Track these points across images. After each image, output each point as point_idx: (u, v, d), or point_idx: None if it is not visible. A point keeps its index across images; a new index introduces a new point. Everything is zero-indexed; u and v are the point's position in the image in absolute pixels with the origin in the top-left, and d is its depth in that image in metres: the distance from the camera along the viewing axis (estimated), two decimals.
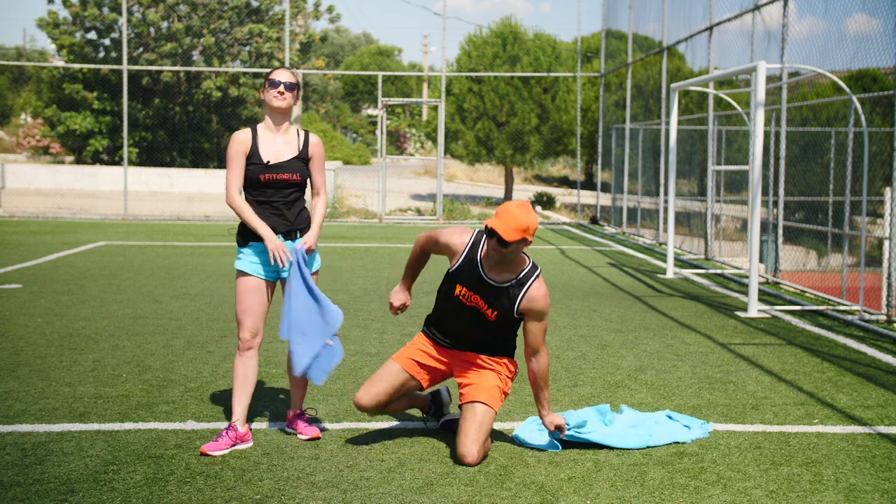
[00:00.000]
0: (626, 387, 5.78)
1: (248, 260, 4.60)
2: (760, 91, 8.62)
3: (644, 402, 5.43)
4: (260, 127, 4.65)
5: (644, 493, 3.97)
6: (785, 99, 10.76)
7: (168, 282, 10.12)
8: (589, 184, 35.69)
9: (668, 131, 14.42)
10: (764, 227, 12.15)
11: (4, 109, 43.31)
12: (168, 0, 27.09)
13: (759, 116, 8.68)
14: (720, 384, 5.90)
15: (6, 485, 3.91)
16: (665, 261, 12.82)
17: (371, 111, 59.91)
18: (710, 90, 12.90)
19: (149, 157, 27.02)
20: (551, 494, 3.93)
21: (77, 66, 25.61)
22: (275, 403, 5.27)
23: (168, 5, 27.15)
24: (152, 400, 5.27)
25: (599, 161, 22.27)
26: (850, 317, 8.45)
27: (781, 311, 8.89)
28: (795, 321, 8.38)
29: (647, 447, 4.51)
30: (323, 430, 4.76)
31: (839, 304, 9.30)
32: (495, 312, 4.40)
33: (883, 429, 4.98)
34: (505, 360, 4.59)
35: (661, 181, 15.76)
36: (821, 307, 8.98)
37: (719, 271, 12.06)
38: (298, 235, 4.65)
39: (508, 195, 28.77)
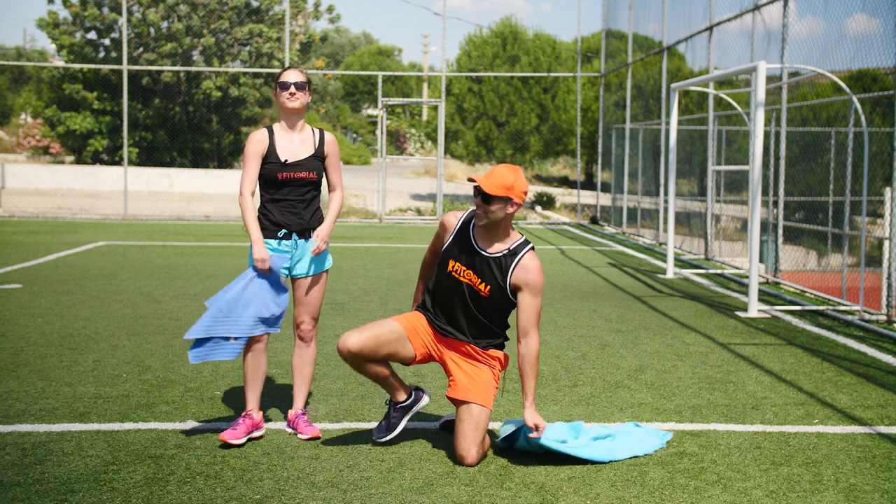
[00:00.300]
0: (626, 387, 5.78)
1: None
2: (760, 91, 8.62)
3: (644, 402, 5.43)
4: (276, 127, 4.73)
5: (644, 493, 3.97)
6: (785, 99, 10.76)
7: (168, 282, 10.12)
8: (589, 184, 35.69)
9: (668, 131, 14.42)
10: (764, 227, 12.14)
11: (4, 109, 43.31)
12: (168, 0, 27.08)
13: (759, 116, 8.68)
14: (720, 384, 5.90)
15: (6, 485, 3.91)
16: (665, 261, 12.82)
17: (371, 111, 59.92)
18: (710, 90, 12.90)
19: (149, 157, 27.02)
20: (551, 494, 3.93)
21: (77, 66, 25.61)
22: (276, 403, 5.27)
23: (168, 5, 27.15)
24: (152, 400, 5.27)
25: (599, 161, 22.27)
26: (850, 317, 8.45)
27: (781, 311, 8.89)
28: (795, 321, 8.38)
29: (611, 461, 4.33)
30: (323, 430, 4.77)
31: (839, 304, 9.30)
32: (488, 286, 4.34)
33: (883, 429, 4.98)
34: (499, 356, 4.54)
35: (661, 181, 15.76)
36: (821, 307, 8.98)
37: (719, 271, 12.06)
38: (312, 235, 4.72)
39: None
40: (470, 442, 4.28)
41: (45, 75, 28.25)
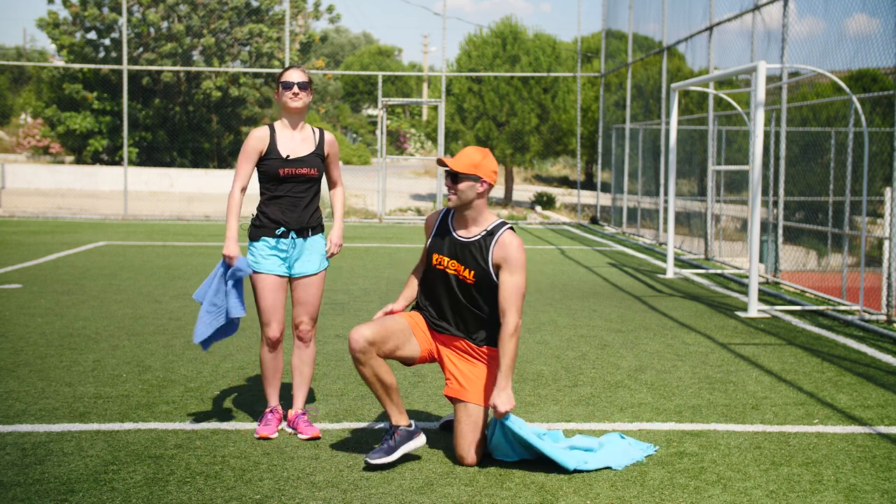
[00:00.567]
0: (626, 387, 5.78)
1: (261, 258, 4.70)
2: (760, 91, 8.62)
3: (644, 402, 5.43)
4: (277, 125, 4.77)
5: (644, 493, 3.97)
6: (785, 99, 10.76)
7: (168, 282, 10.12)
8: (589, 184, 35.70)
9: (668, 131, 14.42)
10: (764, 227, 12.14)
11: (4, 109, 43.31)
12: (168, 0, 27.08)
13: (759, 116, 8.68)
14: (720, 384, 5.90)
15: (6, 485, 3.91)
16: (665, 261, 12.82)
17: (371, 111, 59.92)
18: (710, 90, 12.90)
19: (149, 157, 27.02)
20: (551, 494, 3.93)
21: (77, 66, 25.61)
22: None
23: (168, 5, 27.15)
24: (152, 400, 5.27)
25: (599, 161, 22.27)
26: (850, 317, 8.45)
27: (781, 311, 8.89)
28: (795, 321, 8.38)
29: (576, 469, 4.22)
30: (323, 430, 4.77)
31: (839, 304, 9.30)
32: (472, 272, 4.32)
33: (883, 429, 4.98)
34: (496, 353, 4.46)
35: (661, 181, 15.76)
36: (821, 307, 8.98)
37: (719, 271, 12.06)
38: (310, 234, 4.72)
39: (508, 195, 28.79)
40: (469, 442, 4.27)
41: (45, 75, 28.26)
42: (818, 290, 10.25)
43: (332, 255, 4.83)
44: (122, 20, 22.20)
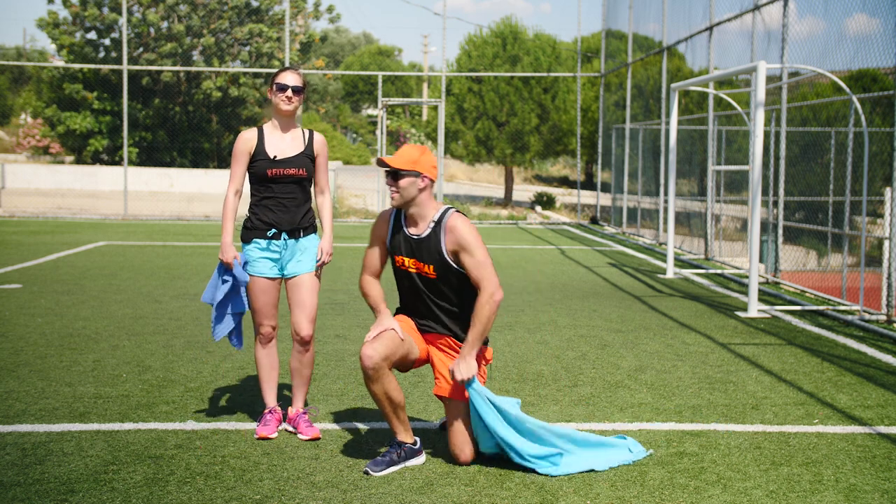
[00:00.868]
0: (626, 387, 5.78)
1: (252, 261, 4.71)
2: (760, 91, 8.62)
3: (644, 402, 5.43)
4: (267, 126, 4.77)
5: (644, 493, 3.97)
6: (785, 99, 10.76)
7: (168, 282, 10.12)
8: (589, 184, 35.70)
9: (668, 131, 14.42)
10: (764, 227, 12.14)
11: (4, 109, 43.31)
12: (168, 0, 27.08)
13: (759, 116, 8.68)
14: (720, 384, 5.90)
15: (6, 485, 3.91)
16: (665, 261, 12.82)
17: (371, 111, 59.91)
18: (710, 90, 12.90)
19: (149, 157, 27.02)
20: (551, 494, 3.93)
21: (77, 66, 25.61)
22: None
23: (168, 5, 27.15)
24: (152, 400, 5.27)
25: (599, 161, 22.27)
26: (850, 317, 8.45)
27: (781, 311, 8.88)
28: (795, 321, 8.38)
29: (548, 473, 4.18)
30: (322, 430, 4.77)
31: (839, 304, 9.30)
32: (431, 266, 4.29)
33: (883, 429, 4.97)
34: (480, 350, 4.40)
35: (661, 181, 15.76)
36: (821, 307, 8.98)
37: (719, 271, 12.06)
38: (302, 234, 4.71)
39: (508, 195, 28.79)
40: (462, 441, 4.27)
41: (45, 75, 28.26)
42: (818, 290, 10.25)
43: (323, 264, 4.80)
44: (122, 20, 22.20)
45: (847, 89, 9.20)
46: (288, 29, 21.05)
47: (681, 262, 13.05)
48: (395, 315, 4.53)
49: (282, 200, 4.67)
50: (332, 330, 7.47)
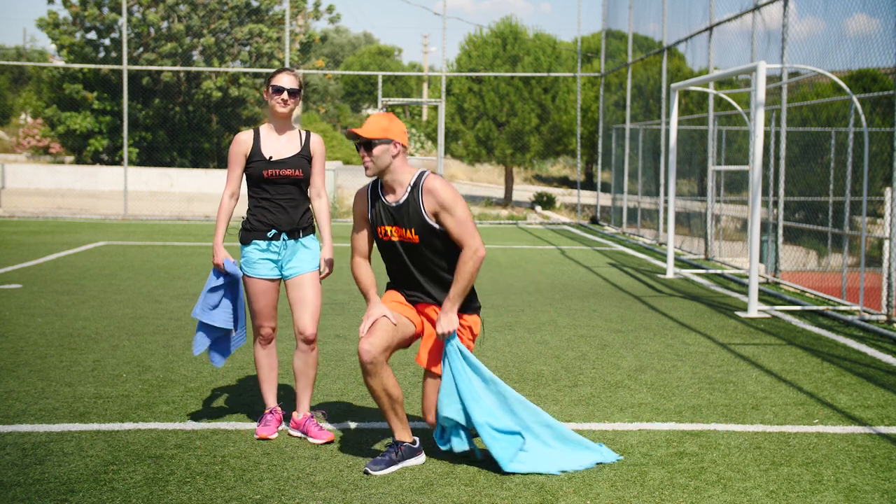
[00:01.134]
0: (626, 387, 5.78)
1: (251, 263, 4.70)
2: (760, 91, 8.62)
3: (644, 402, 5.43)
4: (263, 128, 4.75)
5: (644, 493, 3.97)
6: (785, 99, 10.76)
7: (168, 282, 10.12)
8: (589, 184, 35.70)
9: (668, 131, 14.42)
10: (764, 227, 12.14)
11: (4, 109, 43.32)
12: (168, 0, 27.09)
13: (759, 116, 8.68)
14: (720, 384, 5.90)
15: (6, 485, 3.91)
16: (665, 261, 12.82)
17: (371, 111, 59.90)
18: (710, 90, 12.90)
19: (149, 157, 27.03)
20: (551, 494, 3.93)
21: (77, 66, 25.61)
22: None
23: (168, 5, 27.15)
24: (152, 400, 5.27)
25: (599, 161, 22.27)
26: (850, 317, 8.45)
27: (781, 311, 8.88)
28: (795, 321, 8.38)
29: (511, 470, 4.19)
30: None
31: (839, 304, 9.30)
32: (413, 230, 4.26)
33: (883, 429, 4.97)
34: (469, 322, 4.39)
35: (661, 181, 15.76)
36: (821, 307, 8.98)
37: (719, 271, 12.06)
38: (301, 235, 4.70)
39: (508, 195, 28.79)
40: (432, 402, 4.37)
41: (45, 75, 28.26)
42: (818, 290, 10.25)
43: (326, 275, 4.79)
44: (122, 20, 22.21)
45: (847, 89, 9.20)
46: (288, 29, 21.05)
47: (681, 263, 13.05)
48: (385, 291, 4.52)
49: (279, 202, 4.65)
50: (332, 330, 7.47)
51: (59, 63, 27.90)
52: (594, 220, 21.83)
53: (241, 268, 4.74)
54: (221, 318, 4.76)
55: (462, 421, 4.22)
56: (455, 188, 4.30)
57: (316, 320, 4.71)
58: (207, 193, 21.87)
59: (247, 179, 4.71)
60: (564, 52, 28.26)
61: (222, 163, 28.34)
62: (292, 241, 4.68)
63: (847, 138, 10.40)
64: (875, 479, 4.18)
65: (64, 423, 4.78)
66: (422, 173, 4.33)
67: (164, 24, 27.65)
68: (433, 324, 4.39)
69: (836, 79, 9.47)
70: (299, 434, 4.68)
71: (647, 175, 17.76)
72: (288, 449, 4.47)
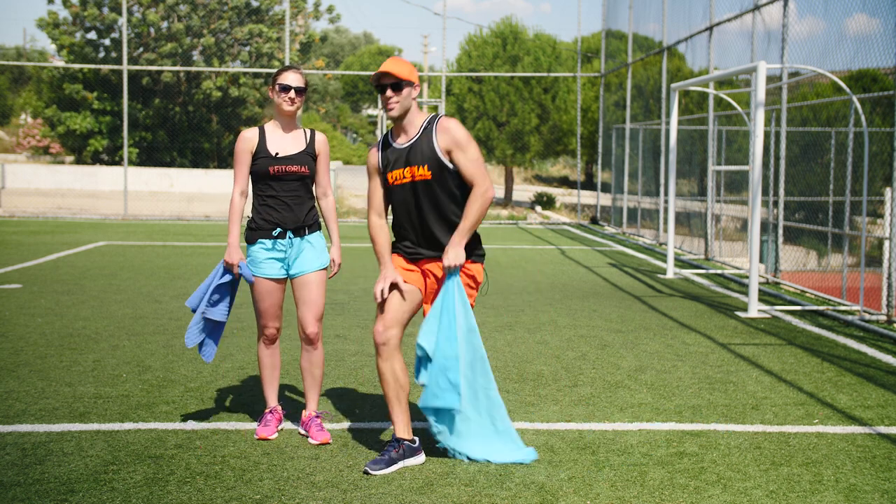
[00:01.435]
0: (626, 387, 5.78)
1: (258, 262, 4.69)
2: (760, 91, 8.61)
3: (644, 402, 5.43)
4: (268, 126, 4.76)
5: (644, 493, 3.97)
6: (785, 99, 10.76)
7: (168, 282, 10.12)
8: (589, 184, 35.71)
9: (668, 131, 14.42)
10: (764, 227, 12.14)
11: (4, 109, 43.32)
12: (168, 0, 27.09)
13: (759, 116, 8.68)
14: (720, 384, 5.90)
15: (6, 485, 3.91)
16: (665, 261, 12.82)
17: (371, 111, 59.91)
18: (710, 90, 12.90)
19: (149, 157, 27.04)
20: (551, 494, 3.93)
21: (77, 66, 25.62)
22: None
23: (168, 5, 27.15)
24: (152, 400, 5.27)
25: (599, 161, 22.27)
26: (850, 317, 8.45)
27: (781, 311, 8.89)
28: (795, 321, 8.38)
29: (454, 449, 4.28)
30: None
31: (839, 304, 9.30)
32: (426, 166, 4.32)
33: (883, 429, 4.97)
34: (472, 271, 4.42)
35: (661, 181, 15.76)
36: (821, 307, 8.98)
37: (719, 271, 12.06)
38: (307, 232, 4.70)
39: (509, 195, 28.79)
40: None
41: (45, 75, 28.26)
42: (818, 291, 10.25)
43: (334, 274, 4.82)
44: (122, 20, 22.21)
45: (847, 89, 9.20)
46: (288, 29, 21.05)
47: (681, 263, 13.05)
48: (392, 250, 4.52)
49: (285, 199, 4.65)
50: (332, 330, 7.47)
51: (59, 63, 27.91)
52: (594, 220, 21.83)
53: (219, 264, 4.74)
54: (220, 312, 4.76)
55: (430, 354, 4.26)
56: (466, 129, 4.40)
57: (319, 319, 4.73)
58: (207, 193, 21.87)
59: (252, 177, 4.70)
60: (564, 52, 28.26)
61: (222, 163, 28.34)
62: (298, 238, 4.69)
63: (847, 138, 10.40)
64: (875, 479, 4.18)
65: (64, 423, 4.78)
66: (435, 115, 4.45)
67: (164, 24, 27.66)
68: (435, 279, 4.42)
69: (836, 79, 9.47)
70: (304, 432, 4.69)
71: (647, 175, 17.76)
72: (288, 449, 4.47)
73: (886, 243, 8.51)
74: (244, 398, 5.38)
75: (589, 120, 29.11)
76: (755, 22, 12.28)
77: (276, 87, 4.64)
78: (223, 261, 4.68)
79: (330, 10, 30.05)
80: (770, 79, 11.27)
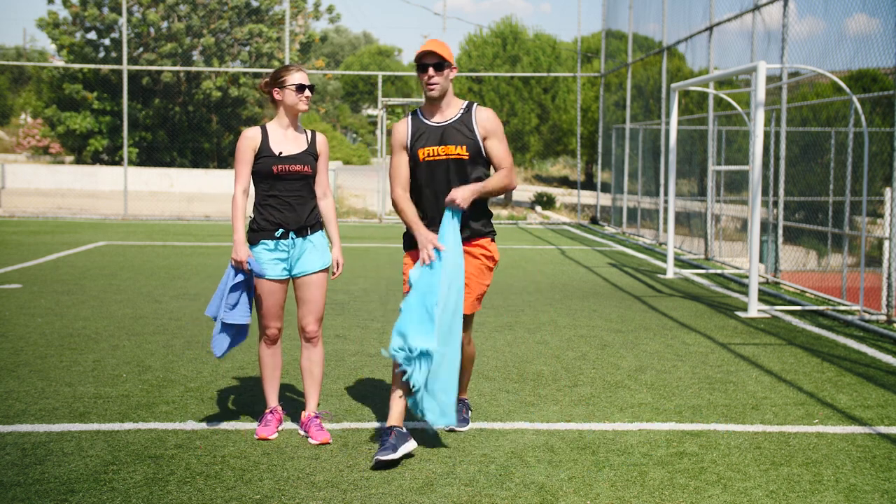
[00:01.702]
0: (626, 387, 5.78)
1: (260, 263, 4.67)
2: (760, 91, 8.62)
3: (644, 402, 5.43)
4: (270, 125, 4.75)
5: (644, 493, 3.97)
6: (785, 99, 10.76)
7: (168, 282, 10.12)
8: (589, 184, 35.70)
9: (668, 131, 14.42)
10: (764, 227, 12.14)
11: (4, 109, 43.33)
12: (168, 0, 27.09)
13: (759, 116, 8.68)
14: (720, 384, 5.90)
15: (6, 485, 3.91)
16: (665, 261, 12.82)
17: (371, 111, 59.92)
18: (710, 90, 12.90)
19: (149, 157, 27.04)
20: (551, 494, 3.93)
21: (77, 66, 25.62)
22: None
23: (168, 5, 27.16)
24: (152, 400, 5.27)
25: (599, 161, 22.27)
26: (850, 317, 8.45)
27: (781, 311, 8.89)
28: (795, 321, 8.38)
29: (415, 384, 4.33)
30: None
31: (839, 304, 9.30)
32: (464, 146, 4.54)
33: (883, 429, 4.98)
34: (486, 250, 4.63)
35: (661, 181, 15.76)
36: (821, 307, 8.98)
37: (719, 271, 12.06)
38: (309, 232, 4.70)
39: (509, 195, 28.80)
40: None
41: (45, 75, 28.28)
42: (818, 290, 10.25)
43: (338, 275, 4.82)
44: (122, 20, 22.21)
45: (847, 89, 9.20)
46: (288, 29, 21.05)
47: (681, 263, 13.05)
48: (404, 253, 4.73)
49: (287, 199, 4.64)
50: (332, 330, 7.47)
51: (59, 63, 27.91)
52: (594, 220, 21.83)
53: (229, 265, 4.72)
54: (241, 315, 4.70)
55: (415, 292, 4.36)
56: None
57: (319, 319, 4.74)
58: (207, 193, 21.87)
59: (254, 176, 4.68)
60: (564, 52, 28.27)
61: (222, 163, 28.35)
62: (300, 239, 4.68)
63: (847, 138, 10.40)
64: (875, 479, 4.18)
65: (64, 423, 4.78)
66: (472, 102, 4.68)
67: (164, 24, 27.66)
68: None
69: (836, 79, 9.47)
70: (303, 432, 4.69)
71: (646, 175, 17.76)
72: (288, 449, 4.47)
73: (886, 243, 8.51)
74: (244, 398, 5.38)
75: (589, 120, 29.11)
76: (755, 22, 12.28)
77: (290, 87, 4.63)
78: (231, 260, 4.65)
79: (330, 10, 30.05)
80: (770, 79, 11.27)
